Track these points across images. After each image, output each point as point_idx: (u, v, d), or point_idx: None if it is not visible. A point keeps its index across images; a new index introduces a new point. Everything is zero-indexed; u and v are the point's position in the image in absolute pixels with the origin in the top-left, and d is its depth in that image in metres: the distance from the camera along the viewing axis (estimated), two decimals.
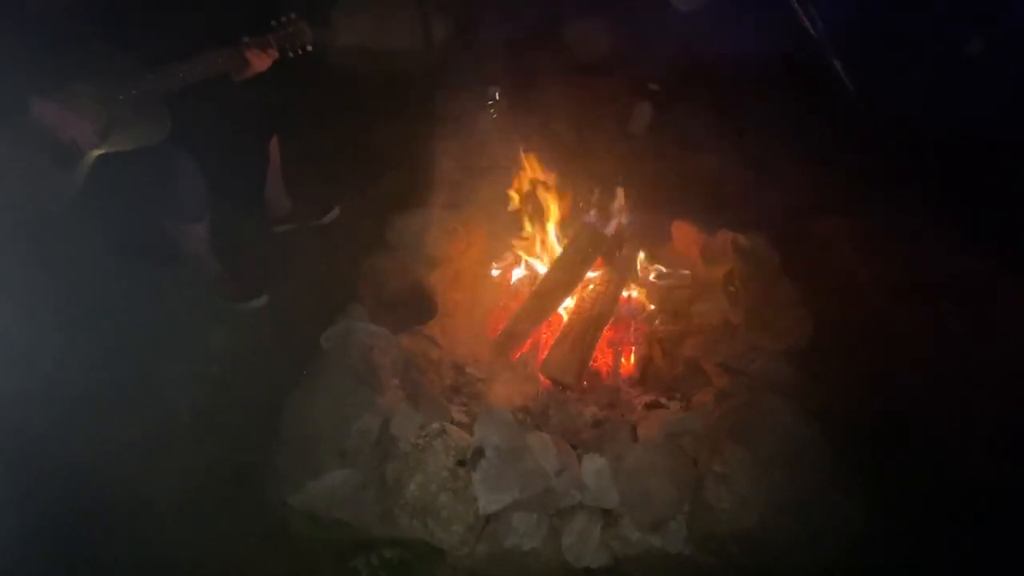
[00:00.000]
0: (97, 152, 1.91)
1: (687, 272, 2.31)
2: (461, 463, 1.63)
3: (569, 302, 2.23)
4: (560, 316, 2.22)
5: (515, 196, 2.43)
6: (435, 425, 1.70)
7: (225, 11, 2.11)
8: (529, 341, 2.16)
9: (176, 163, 2.07)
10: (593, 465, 1.66)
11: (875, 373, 2.04)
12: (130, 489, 1.72)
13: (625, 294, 2.29)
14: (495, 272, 2.46)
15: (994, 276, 2.26)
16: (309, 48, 2.08)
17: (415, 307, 2.15)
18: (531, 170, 2.40)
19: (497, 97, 3.47)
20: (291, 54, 2.08)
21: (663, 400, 2.01)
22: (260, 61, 2.02)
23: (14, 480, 1.68)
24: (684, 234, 2.41)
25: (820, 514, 1.59)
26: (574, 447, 1.78)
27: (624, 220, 2.33)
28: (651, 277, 2.31)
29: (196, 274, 2.35)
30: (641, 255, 2.34)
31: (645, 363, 2.15)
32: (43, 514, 1.63)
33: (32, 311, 1.87)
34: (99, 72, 1.86)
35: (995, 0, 3.00)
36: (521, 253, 2.43)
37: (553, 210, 2.38)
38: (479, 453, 1.63)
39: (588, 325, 2.10)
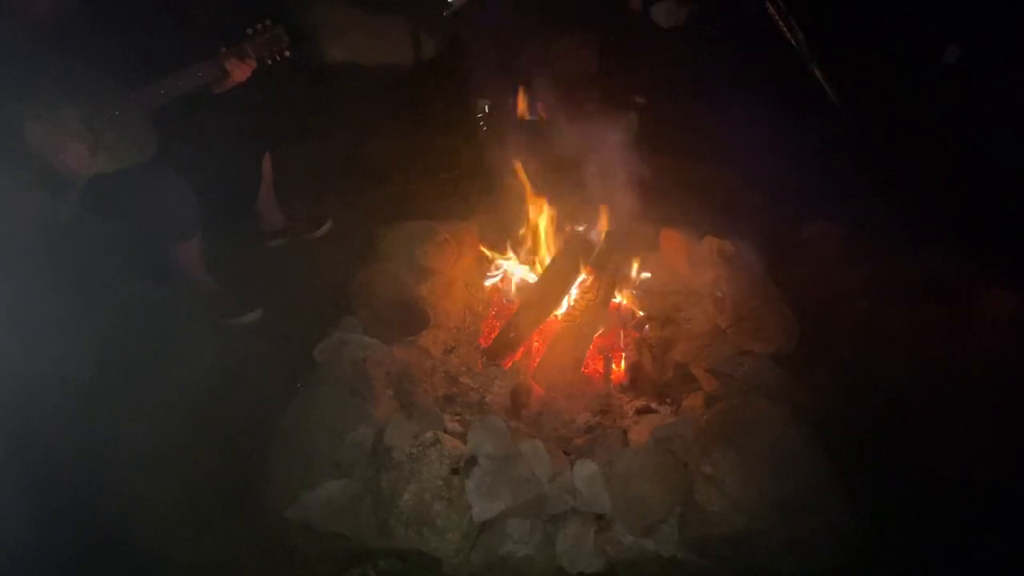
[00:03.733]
0: (87, 175, 1.92)
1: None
2: (455, 471, 1.65)
3: (560, 310, 2.26)
4: (551, 324, 2.25)
5: (505, 206, 2.47)
6: (429, 434, 1.71)
7: (201, 24, 2.12)
8: (521, 349, 2.18)
9: (166, 182, 2.08)
10: (585, 471, 1.68)
11: (862, 376, 2.07)
12: (125, 503, 1.73)
13: (615, 301, 2.32)
14: (487, 282, 2.48)
15: (981, 279, 2.30)
16: (287, 54, 2.09)
17: (408, 318, 2.17)
18: (520, 180, 2.43)
19: (486, 109, 3.52)
20: (269, 61, 2.08)
21: (654, 405, 2.04)
22: (239, 71, 2.02)
23: (8, 493, 1.68)
24: (671, 241, 2.45)
25: (810, 515, 1.61)
26: (567, 453, 1.80)
27: (613, 228, 2.37)
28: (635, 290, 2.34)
29: (190, 290, 2.36)
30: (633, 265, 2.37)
31: (635, 369, 2.18)
32: (37, 529, 1.63)
33: (26, 328, 1.88)
34: (81, 96, 1.87)
35: (979, 7, 3.06)
36: (512, 262, 2.46)
37: (543, 219, 2.41)
38: (472, 461, 1.65)
39: (579, 332, 2.13)
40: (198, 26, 2.08)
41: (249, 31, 2.02)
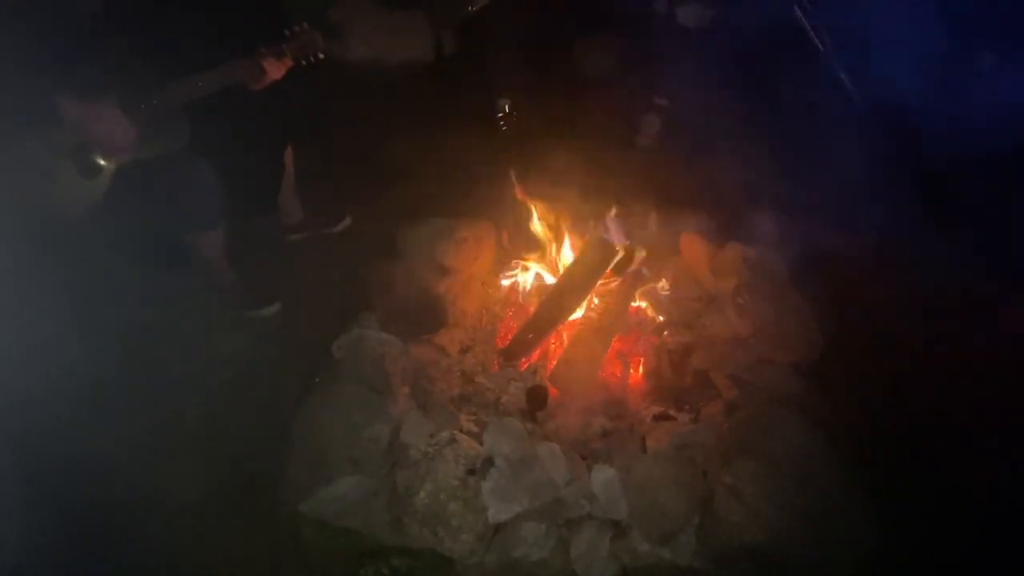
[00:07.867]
0: (120, 162, 1.95)
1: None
2: (471, 472, 1.64)
3: (578, 313, 2.24)
4: (570, 326, 2.23)
5: (525, 207, 2.45)
6: (445, 434, 1.71)
7: (240, 23, 2.16)
8: (538, 351, 2.17)
9: (190, 172, 2.11)
10: (602, 476, 1.66)
11: (885, 386, 2.04)
12: (141, 494, 1.74)
13: (635, 304, 2.30)
14: (505, 282, 2.47)
15: (1004, 290, 2.26)
16: (321, 56, 2.14)
17: (426, 316, 2.17)
18: (542, 181, 2.42)
19: (507, 109, 3.51)
20: (304, 62, 2.13)
21: (672, 412, 2.01)
22: (275, 70, 2.07)
23: (25, 482, 1.70)
24: (693, 247, 2.42)
25: (831, 527, 1.58)
26: (583, 457, 1.78)
27: (634, 232, 2.34)
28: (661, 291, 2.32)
29: (209, 281, 2.38)
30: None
31: (654, 374, 2.15)
32: (53, 518, 1.64)
33: (46, 315, 1.90)
34: (121, 83, 1.91)
35: (1002, 15, 3.00)
36: (531, 263, 2.44)
37: (563, 221, 2.39)
38: (489, 462, 1.64)
39: (597, 336, 2.11)
40: (239, 25, 2.12)
41: (287, 32, 2.07)
